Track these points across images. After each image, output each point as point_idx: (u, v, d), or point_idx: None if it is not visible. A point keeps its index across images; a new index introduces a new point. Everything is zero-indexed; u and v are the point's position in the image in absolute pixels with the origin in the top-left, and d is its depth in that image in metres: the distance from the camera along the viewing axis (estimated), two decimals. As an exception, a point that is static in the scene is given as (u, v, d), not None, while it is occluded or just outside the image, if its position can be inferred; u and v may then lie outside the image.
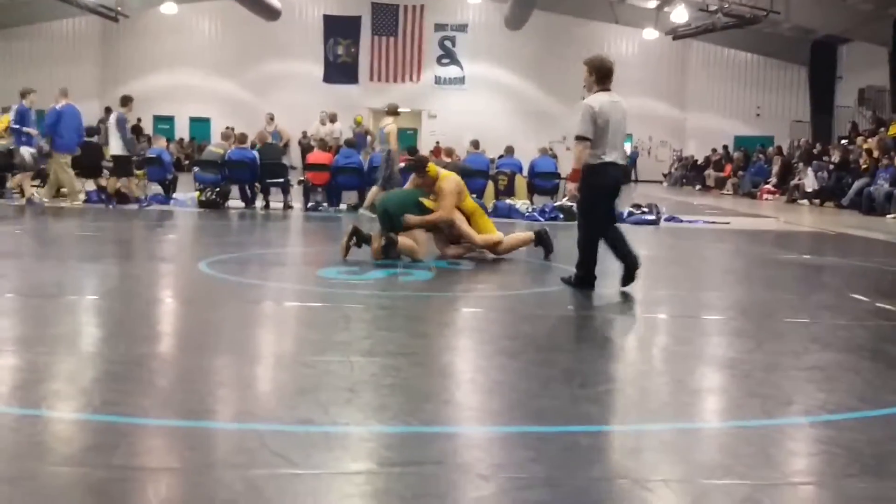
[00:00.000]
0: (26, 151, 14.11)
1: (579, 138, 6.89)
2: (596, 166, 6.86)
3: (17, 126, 14.15)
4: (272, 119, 19.27)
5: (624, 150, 7.00)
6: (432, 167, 9.09)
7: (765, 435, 3.62)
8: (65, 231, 11.53)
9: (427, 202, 8.91)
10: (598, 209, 7.07)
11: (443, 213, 8.90)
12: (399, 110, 14.87)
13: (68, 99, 14.71)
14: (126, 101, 14.84)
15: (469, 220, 9.13)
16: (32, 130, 14.14)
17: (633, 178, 34.69)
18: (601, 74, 7.08)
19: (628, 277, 7.06)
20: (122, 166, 14.57)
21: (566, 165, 27.46)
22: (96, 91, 34.74)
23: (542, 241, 9.43)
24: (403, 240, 8.57)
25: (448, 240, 9.19)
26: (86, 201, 14.89)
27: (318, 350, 4.81)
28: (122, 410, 3.60)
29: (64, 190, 14.67)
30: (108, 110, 17.36)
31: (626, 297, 7.23)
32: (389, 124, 14.44)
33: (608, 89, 7.04)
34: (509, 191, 15.85)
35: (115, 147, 14.53)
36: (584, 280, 7.11)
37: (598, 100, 6.93)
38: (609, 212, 7.21)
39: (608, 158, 6.86)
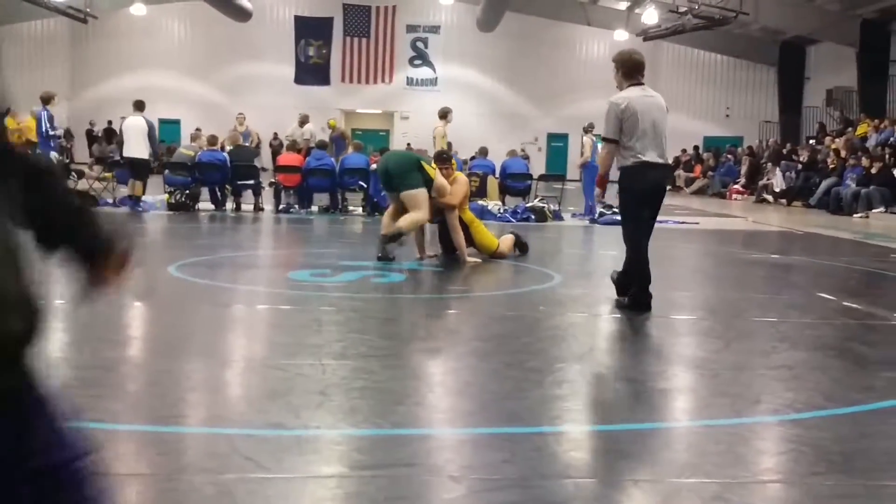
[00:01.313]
0: (53, 156, 14.08)
1: (606, 140, 6.44)
2: (632, 167, 6.23)
3: (45, 132, 14.13)
4: (243, 120, 19.17)
5: (663, 148, 6.36)
6: (453, 163, 9.50)
7: (733, 434, 3.66)
8: (29, 234, 11.42)
9: (428, 168, 8.96)
10: (640, 214, 6.36)
11: (452, 200, 9.01)
12: (449, 114, 14.75)
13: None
14: (140, 105, 14.83)
15: (468, 229, 9.22)
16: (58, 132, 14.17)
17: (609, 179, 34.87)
18: (628, 68, 6.44)
19: (627, 307, 6.47)
20: (140, 170, 14.44)
21: (538, 166, 27.55)
22: (65, 93, 34.40)
23: (519, 243, 9.62)
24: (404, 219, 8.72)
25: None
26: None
27: (289, 353, 4.80)
28: (91, 416, 3.56)
29: None
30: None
31: (598, 298, 7.27)
32: (438, 127, 14.38)
33: (640, 83, 6.41)
34: (481, 192, 15.86)
35: (139, 151, 14.39)
36: (639, 299, 6.30)
37: (624, 95, 6.31)
38: (651, 218, 6.47)
39: (645, 158, 6.20)
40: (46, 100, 14.32)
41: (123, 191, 15.52)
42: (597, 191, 7.22)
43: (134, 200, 14.45)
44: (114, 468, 3.09)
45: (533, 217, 14.53)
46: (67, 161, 14.61)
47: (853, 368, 4.94)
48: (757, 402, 4.17)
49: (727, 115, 35.39)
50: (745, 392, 4.32)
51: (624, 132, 6.23)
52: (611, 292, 7.20)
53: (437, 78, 36.28)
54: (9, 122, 17.56)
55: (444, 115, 14.52)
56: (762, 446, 3.62)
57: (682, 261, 10.63)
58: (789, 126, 31.34)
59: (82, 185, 15.81)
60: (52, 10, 29.43)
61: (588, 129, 15.98)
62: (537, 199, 15.44)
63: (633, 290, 6.36)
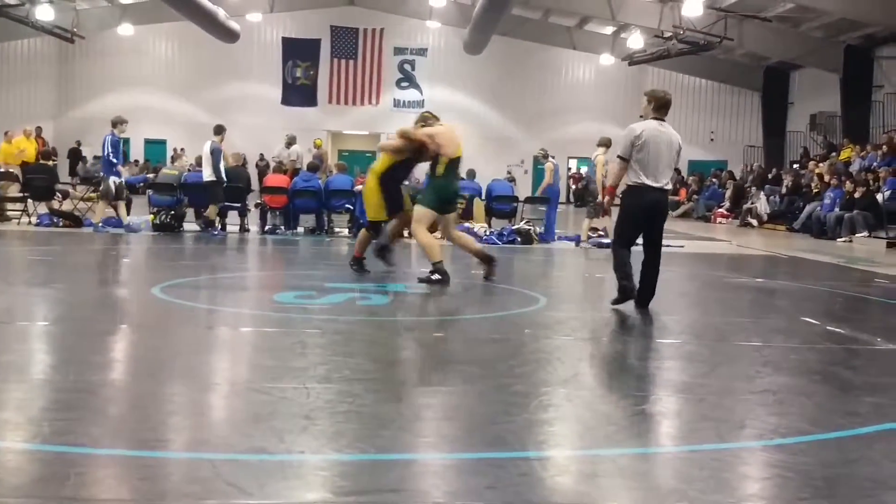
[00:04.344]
0: (113, 181, 14.07)
1: (618, 157, 7.43)
2: (633, 187, 7.32)
3: (109, 157, 14.21)
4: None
5: (667, 175, 7.39)
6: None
7: (718, 459, 3.66)
8: (16, 255, 11.35)
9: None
10: (628, 227, 7.48)
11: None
12: (609, 142, 14.74)
13: None
14: (219, 130, 14.70)
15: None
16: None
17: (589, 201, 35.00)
18: (658, 105, 7.49)
19: (618, 301, 7.46)
20: (214, 193, 14.41)
21: (524, 189, 27.70)
22: (52, 112, 34.36)
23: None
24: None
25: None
26: (37, 224, 14.69)
27: (273, 376, 4.77)
28: (73, 440, 3.53)
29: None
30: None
31: (584, 322, 7.29)
32: (599, 154, 14.40)
33: (662, 119, 7.46)
34: (467, 214, 15.88)
35: (207, 174, 14.36)
36: (625, 292, 7.42)
37: (643, 125, 7.37)
38: (647, 234, 7.45)
39: (646, 181, 7.24)
40: (114, 124, 14.25)
41: (108, 212, 15.46)
42: (606, 199, 8.09)
43: (207, 223, 14.54)
44: (95, 493, 3.07)
45: (519, 239, 14.55)
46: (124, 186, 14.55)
47: (837, 393, 4.95)
48: (741, 427, 4.17)
49: (711, 140, 35.64)
50: (729, 417, 4.32)
51: (633, 155, 7.27)
52: (596, 315, 7.23)
53: (424, 100, 36.37)
54: (4, 146, 17.50)
55: (606, 143, 14.46)
56: (746, 471, 3.61)
57: (667, 284, 10.60)
58: (773, 150, 31.60)
59: (67, 205, 15.77)
60: (40, 30, 29.44)
61: (546, 156, 16.32)
62: (523, 222, 15.47)
63: (619, 286, 7.41)
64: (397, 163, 9.41)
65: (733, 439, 3.96)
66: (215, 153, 14.35)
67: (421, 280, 8.83)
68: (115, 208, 14.56)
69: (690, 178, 31.02)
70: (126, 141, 34.34)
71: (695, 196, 29.03)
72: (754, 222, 23.52)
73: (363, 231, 9.88)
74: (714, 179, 29.32)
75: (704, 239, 18.36)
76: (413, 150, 9.30)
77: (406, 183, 9.98)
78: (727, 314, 8.17)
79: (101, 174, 14.72)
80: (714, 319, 7.79)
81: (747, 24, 26.84)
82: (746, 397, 4.77)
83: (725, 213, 26.01)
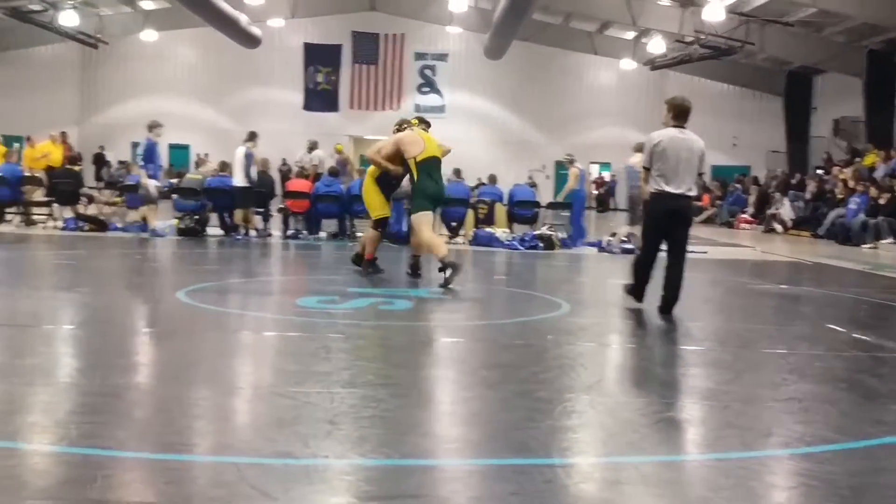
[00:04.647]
0: (152, 184, 14.17)
1: (644, 168, 7.70)
2: (655, 194, 7.52)
3: (144, 162, 14.37)
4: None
5: (688, 181, 7.50)
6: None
7: (744, 467, 3.63)
8: (42, 260, 11.45)
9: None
10: (651, 232, 7.70)
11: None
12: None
13: None
14: (252, 136, 14.85)
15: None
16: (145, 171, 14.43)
17: (611, 206, 34.91)
18: (677, 112, 7.64)
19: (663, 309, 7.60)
20: (246, 198, 14.53)
21: (546, 194, 27.59)
22: (76, 117, 34.66)
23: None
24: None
25: None
26: (63, 228, 14.83)
27: (297, 381, 4.79)
28: (99, 443, 3.56)
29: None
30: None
31: (607, 328, 7.27)
32: (636, 159, 14.51)
33: (681, 126, 7.60)
34: (489, 219, 15.89)
35: (240, 180, 14.50)
36: (634, 291, 7.81)
37: (661, 134, 7.56)
38: (671, 239, 7.59)
39: (666, 188, 7.42)
40: (150, 128, 14.42)
41: (133, 216, 15.59)
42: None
43: (234, 228, 14.74)
44: (121, 496, 3.09)
45: (541, 245, 14.53)
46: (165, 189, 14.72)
47: (863, 401, 4.91)
48: (767, 436, 4.14)
49: (734, 145, 35.43)
50: (755, 425, 4.29)
51: (654, 164, 7.48)
52: (619, 321, 7.23)
53: (444, 105, 36.46)
54: (26, 152, 17.70)
55: (642, 149, 14.47)
56: (773, 480, 3.59)
57: (691, 290, 10.55)
58: (797, 156, 31.38)
59: (92, 209, 15.91)
60: (64, 36, 29.74)
61: (571, 161, 16.25)
62: (545, 227, 15.44)
63: (632, 283, 7.78)
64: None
65: (759, 447, 3.93)
66: (248, 158, 14.48)
67: (442, 285, 8.83)
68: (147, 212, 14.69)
69: (713, 183, 30.85)
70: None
71: (718, 202, 28.86)
72: (779, 228, 23.35)
73: (371, 231, 10.03)
74: (737, 185, 29.14)
75: (728, 245, 18.26)
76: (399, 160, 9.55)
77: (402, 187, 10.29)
78: (751, 321, 8.12)
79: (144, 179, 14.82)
80: (738, 326, 7.74)
81: (769, 28, 26.69)
82: (772, 405, 4.74)
83: (749, 218, 25.84)
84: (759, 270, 13.68)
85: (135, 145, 34.72)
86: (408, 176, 9.67)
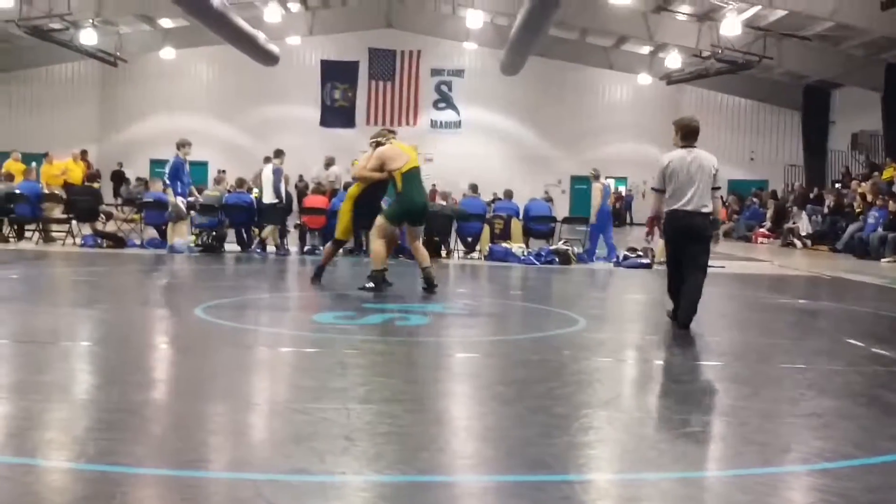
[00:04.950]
0: (181, 202, 14.32)
1: (654, 189, 7.93)
2: (669, 213, 7.74)
3: (170, 180, 14.49)
4: (267, 161, 19.44)
5: (701, 199, 7.61)
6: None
7: (762, 483, 3.61)
8: (61, 276, 11.53)
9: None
10: (671, 248, 7.87)
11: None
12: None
13: None
14: (279, 153, 15.10)
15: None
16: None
17: (627, 221, 34.82)
18: (685, 133, 7.82)
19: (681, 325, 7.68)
20: (275, 215, 14.67)
21: (562, 209, 27.54)
22: (96, 135, 34.94)
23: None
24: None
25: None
26: (82, 245, 14.93)
27: (313, 397, 4.79)
28: (117, 460, 3.57)
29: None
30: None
31: (624, 343, 7.25)
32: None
33: (691, 146, 7.77)
34: (505, 234, 15.89)
35: (268, 196, 14.66)
36: (675, 315, 7.80)
37: (670, 155, 7.79)
38: (691, 256, 7.70)
39: (677, 206, 7.63)
40: (179, 146, 14.61)
41: (151, 232, 15.69)
42: (647, 228, 8.51)
43: (261, 244, 14.95)
44: (139, 513, 3.10)
45: (557, 260, 14.51)
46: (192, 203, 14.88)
47: (883, 417, 4.87)
48: (786, 451, 4.11)
49: (752, 159, 35.33)
50: (773, 440, 4.27)
51: (666, 185, 7.70)
52: (636, 336, 7.21)
53: (461, 121, 36.57)
54: (44, 169, 17.91)
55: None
56: (792, 496, 3.56)
57: (708, 305, 10.52)
58: (814, 170, 31.25)
59: (111, 226, 16.02)
60: (84, 54, 30.04)
61: (597, 176, 16.14)
62: (561, 242, 15.43)
63: (673, 305, 7.83)
64: (366, 189, 10.08)
65: (778, 463, 3.91)
66: (277, 174, 14.64)
67: (360, 287, 9.50)
68: (164, 229, 14.77)
69: (730, 197, 30.74)
70: (167, 163, 35.06)
71: (735, 216, 28.74)
72: (797, 242, 23.23)
73: (329, 244, 10.89)
74: (755, 199, 29.02)
75: (745, 259, 18.17)
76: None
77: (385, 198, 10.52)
78: (769, 335, 8.07)
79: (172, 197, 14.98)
80: (756, 341, 7.69)
81: (786, 42, 26.63)
82: (791, 420, 4.71)
83: (767, 233, 25.72)
84: (777, 285, 13.60)
85: (153, 162, 35.11)
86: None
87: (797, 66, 28.99)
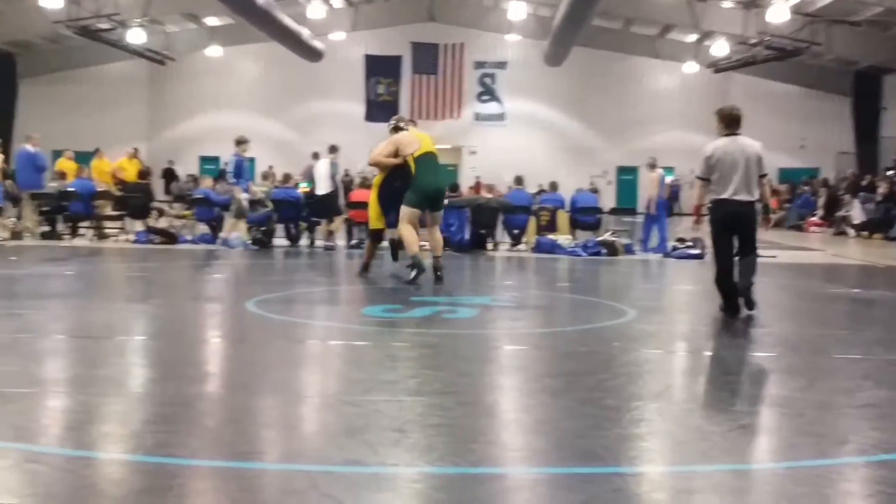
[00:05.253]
0: (243, 199, 14.54)
1: (699, 178, 8.02)
2: (714, 201, 7.81)
3: (235, 178, 14.73)
4: (315, 156, 19.67)
5: (747, 187, 7.70)
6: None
7: (819, 475, 3.56)
8: (115, 272, 11.74)
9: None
10: (719, 239, 7.85)
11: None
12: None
13: (30, 143, 16.38)
14: (334, 149, 15.45)
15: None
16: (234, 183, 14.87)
17: (675, 210, 34.47)
18: (727, 122, 7.90)
19: (745, 304, 7.82)
20: (331, 206, 15.00)
21: (608, 200, 27.31)
22: (145, 133, 35.46)
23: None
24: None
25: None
26: (134, 241, 15.18)
27: (364, 389, 4.83)
28: (173, 452, 3.63)
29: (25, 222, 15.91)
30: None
31: (674, 334, 7.19)
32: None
33: (735, 134, 7.84)
34: (551, 226, 15.83)
35: (325, 186, 14.88)
36: (726, 307, 7.82)
37: (713, 145, 7.85)
38: (742, 243, 7.78)
39: (724, 195, 7.69)
40: (238, 143, 14.84)
41: (202, 228, 15.89)
42: (693, 217, 8.52)
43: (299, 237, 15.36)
44: (196, 504, 3.15)
45: (604, 251, 14.43)
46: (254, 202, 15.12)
47: (943, 408, 4.77)
48: (842, 443, 4.05)
49: (802, 147, 34.75)
50: (829, 432, 4.20)
51: (711, 175, 7.76)
52: (686, 328, 7.15)
53: (504, 113, 36.47)
54: (94, 163, 18.25)
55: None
56: (849, 488, 3.51)
57: (761, 296, 10.40)
58: (866, 157, 30.65)
59: (162, 222, 16.26)
60: (132, 53, 30.50)
61: (653, 165, 15.84)
62: (608, 233, 15.33)
63: (721, 298, 7.83)
64: (388, 176, 10.34)
65: (834, 455, 3.85)
66: (334, 167, 14.83)
67: (407, 282, 9.66)
68: (215, 224, 14.95)
69: (781, 186, 30.29)
70: (215, 159, 35.48)
71: (787, 205, 28.31)
72: (850, 231, 22.82)
73: (368, 242, 11.14)
74: (806, 187, 28.55)
75: (797, 248, 17.90)
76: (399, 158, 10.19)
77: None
78: (824, 326, 7.95)
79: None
80: (810, 331, 7.59)
81: (835, 28, 26.15)
82: (847, 411, 4.64)
83: (819, 221, 25.30)
84: (830, 274, 13.39)
85: (202, 159, 35.57)
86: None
87: (847, 52, 28.46)
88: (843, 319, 8.51)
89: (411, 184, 10.03)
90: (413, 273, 9.63)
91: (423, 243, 10.51)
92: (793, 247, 18.25)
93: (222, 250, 14.22)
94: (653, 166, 15.90)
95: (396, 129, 10.49)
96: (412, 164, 9.99)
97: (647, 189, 15.64)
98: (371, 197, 10.83)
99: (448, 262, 11.76)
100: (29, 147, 16.44)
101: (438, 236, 10.40)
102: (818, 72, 32.11)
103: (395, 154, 10.14)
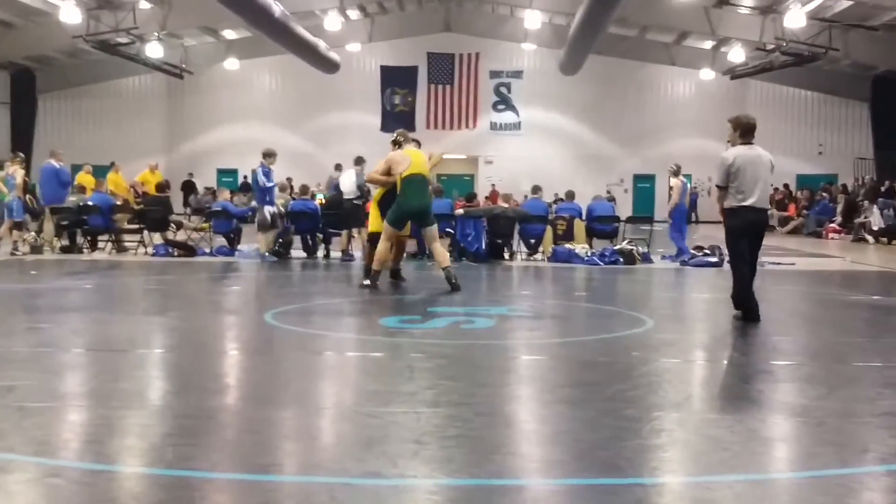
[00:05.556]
0: (268, 211, 14.62)
1: (717, 186, 8.07)
2: (733, 209, 7.86)
3: (269, 185, 14.81)
4: (337, 168, 19.83)
5: (764, 195, 7.91)
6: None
7: (840, 485, 3.54)
8: (134, 285, 11.81)
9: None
10: (738, 245, 7.93)
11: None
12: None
13: (55, 159, 16.55)
14: (360, 160, 15.51)
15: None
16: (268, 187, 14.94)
17: (693, 219, 34.35)
18: (743, 130, 8.00)
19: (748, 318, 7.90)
20: (357, 216, 14.98)
21: (625, 208, 27.20)
22: (163, 146, 35.69)
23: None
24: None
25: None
26: (153, 254, 15.26)
27: (383, 401, 4.83)
28: (194, 465, 3.65)
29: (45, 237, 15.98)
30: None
31: (693, 343, 7.16)
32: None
33: (750, 143, 7.95)
34: (568, 235, 15.80)
35: (352, 192, 15.00)
36: (744, 314, 7.90)
37: (733, 152, 7.91)
38: (751, 249, 7.98)
39: (745, 203, 7.78)
40: (265, 155, 14.93)
41: (220, 241, 15.96)
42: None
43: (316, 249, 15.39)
44: (217, 517, 3.16)
45: (621, 260, 14.39)
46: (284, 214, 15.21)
47: (966, 416, 4.72)
48: (864, 452, 4.02)
49: (820, 153, 34.57)
50: (850, 441, 4.18)
51: (730, 181, 7.81)
52: (705, 336, 7.12)
53: (520, 122, 36.46)
54: (110, 176, 18.41)
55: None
56: (870, 498, 3.48)
57: (779, 303, 10.35)
58: (885, 162, 30.41)
59: (181, 235, 16.34)
60: (151, 67, 30.74)
61: (676, 172, 15.67)
62: (625, 242, 15.28)
63: (735, 303, 7.97)
64: (389, 190, 10.68)
65: (856, 464, 3.82)
66: (359, 176, 14.90)
67: (359, 285, 10.46)
68: (232, 237, 15.01)
69: (799, 192, 30.11)
70: (233, 172, 35.63)
71: (805, 211, 28.14)
72: (869, 238, 22.65)
73: (368, 245, 11.43)
74: (824, 193, 28.38)
75: (816, 255, 17.79)
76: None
77: None
78: (844, 334, 7.89)
79: (256, 205, 15.22)
80: (830, 339, 7.53)
81: (853, 33, 26.00)
82: (868, 420, 4.60)
83: (837, 228, 25.12)
84: (850, 281, 13.29)
85: (220, 171, 35.77)
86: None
87: (865, 58, 28.29)
88: (862, 327, 8.44)
89: (395, 202, 10.42)
90: (367, 282, 10.34)
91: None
92: (811, 254, 18.13)
93: (240, 262, 14.28)
94: (676, 173, 15.74)
95: (395, 143, 10.95)
96: (399, 184, 10.37)
97: (675, 196, 15.46)
98: (372, 212, 11.28)
99: (465, 273, 11.78)
100: (54, 162, 16.62)
101: (440, 249, 10.79)
102: (835, 77, 31.95)
103: (388, 172, 10.57)
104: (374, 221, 11.14)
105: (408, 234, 11.57)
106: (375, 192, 11.37)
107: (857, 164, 32.43)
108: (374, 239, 11.18)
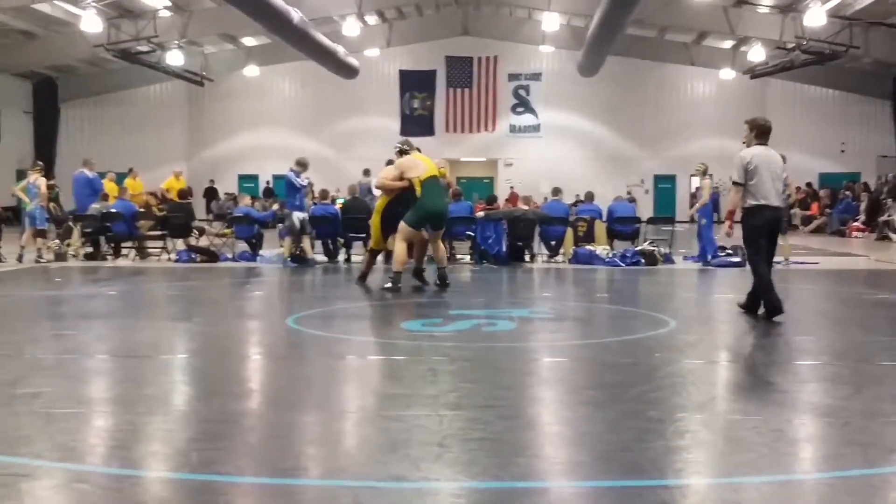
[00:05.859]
0: (297, 217, 14.70)
1: (734, 184, 8.21)
2: (752, 208, 8.03)
3: (302, 185, 15.01)
4: (366, 173, 19.97)
5: (780, 194, 8.14)
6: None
7: (867, 485, 3.51)
8: (157, 291, 11.88)
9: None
10: (757, 244, 8.11)
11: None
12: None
13: (87, 168, 17.06)
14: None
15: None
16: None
17: (715, 219, 34.17)
18: (760, 131, 8.23)
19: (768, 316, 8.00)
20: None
21: (646, 209, 27.10)
22: (184, 153, 35.90)
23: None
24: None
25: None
26: (176, 260, 15.36)
27: (406, 404, 4.84)
28: (219, 469, 3.67)
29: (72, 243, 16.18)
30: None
31: (716, 344, 7.13)
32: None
33: (765, 144, 8.18)
34: (589, 237, 15.75)
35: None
36: (767, 311, 7.98)
37: (751, 152, 8.10)
38: (769, 246, 8.19)
39: (763, 202, 7.98)
40: (299, 163, 15.22)
41: (242, 246, 16.04)
42: (726, 223, 8.71)
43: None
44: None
45: (643, 261, 14.33)
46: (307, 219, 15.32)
47: None
48: (891, 451, 3.99)
49: (842, 151, 34.30)
50: (877, 441, 4.14)
51: (748, 180, 7.99)
52: (729, 337, 7.08)
53: (539, 124, 36.40)
54: (128, 182, 18.55)
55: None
56: (899, 499, 3.45)
57: (804, 303, 10.28)
58: (908, 160, 30.16)
59: (203, 241, 16.43)
60: (171, 75, 30.96)
61: (704, 172, 15.53)
62: (647, 243, 15.22)
63: (765, 302, 8.01)
64: (392, 200, 10.89)
65: (883, 464, 3.79)
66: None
67: (383, 287, 10.53)
68: (298, 243, 15.04)
69: (822, 191, 29.88)
70: (254, 178, 35.83)
71: (828, 210, 27.92)
72: (893, 236, 22.44)
73: (367, 254, 11.83)
74: (847, 192, 28.14)
75: (840, 254, 17.64)
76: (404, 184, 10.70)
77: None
78: (869, 333, 7.82)
79: (286, 210, 15.28)
80: (855, 339, 7.47)
81: (874, 31, 25.79)
82: (895, 419, 4.56)
83: (861, 226, 24.91)
84: (874, 280, 13.17)
85: (241, 177, 35.96)
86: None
87: (886, 55, 28.03)
88: (887, 326, 8.37)
89: (416, 204, 10.51)
90: (389, 285, 10.40)
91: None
92: (835, 253, 17.98)
93: (262, 267, 14.34)
94: (704, 172, 15.60)
95: (402, 152, 11.01)
96: (418, 187, 10.46)
97: (705, 196, 15.33)
98: (374, 220, 11.36)
99: (485, 275, 11.79)
100: (87, 171, 16.87)
101: (442, 248, 11.14)
102: (857, 75, 31.70)
103: (401, 178, 10.65)
104: (376, 236, 11.35)
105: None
106: (376, 202, 11.53)
107: (879, 161, 32.14)
108: (374, 253, 11.58)
